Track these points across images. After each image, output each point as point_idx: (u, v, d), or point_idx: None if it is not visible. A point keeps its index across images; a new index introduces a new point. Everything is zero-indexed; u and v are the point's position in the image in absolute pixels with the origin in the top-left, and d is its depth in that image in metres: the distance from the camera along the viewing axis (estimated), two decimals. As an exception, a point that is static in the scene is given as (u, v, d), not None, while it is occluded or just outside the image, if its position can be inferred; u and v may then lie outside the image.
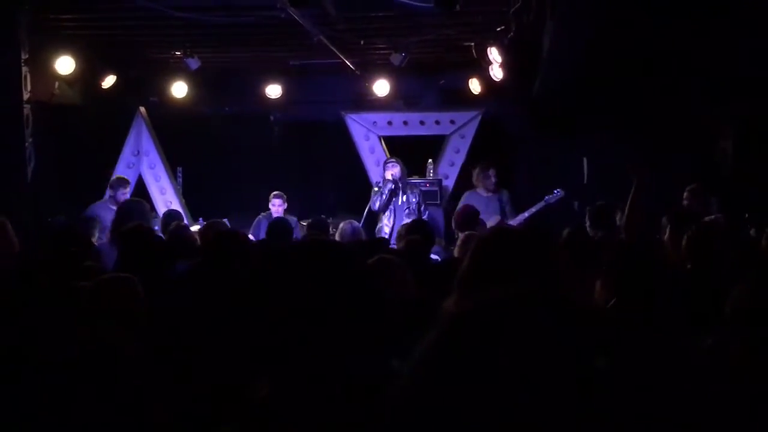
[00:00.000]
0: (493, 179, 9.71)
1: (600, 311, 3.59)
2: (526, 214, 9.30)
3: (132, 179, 11.42)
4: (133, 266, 4.27)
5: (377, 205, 9.53)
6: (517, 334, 0.79)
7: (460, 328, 0.81)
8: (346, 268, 1.59)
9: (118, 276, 3.58)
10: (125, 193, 9.33)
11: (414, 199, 9.64)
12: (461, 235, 6.73)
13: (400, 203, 9.58)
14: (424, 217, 9.45)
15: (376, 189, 9.82)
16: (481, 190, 9.74)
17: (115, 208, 8.50)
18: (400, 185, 9.57)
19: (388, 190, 9.50)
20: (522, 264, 1.78)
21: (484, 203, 9.37)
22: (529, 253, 1.81)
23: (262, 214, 9.52)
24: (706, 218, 6.04)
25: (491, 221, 8.80)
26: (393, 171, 9.60)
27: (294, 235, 8.93)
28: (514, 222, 9.15)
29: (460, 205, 9.40)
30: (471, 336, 0.80)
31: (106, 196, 9.59)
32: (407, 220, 8.78)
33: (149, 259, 4.61)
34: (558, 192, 9.36)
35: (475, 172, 9.83)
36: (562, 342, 0.79)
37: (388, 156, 11.31)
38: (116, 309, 3.31)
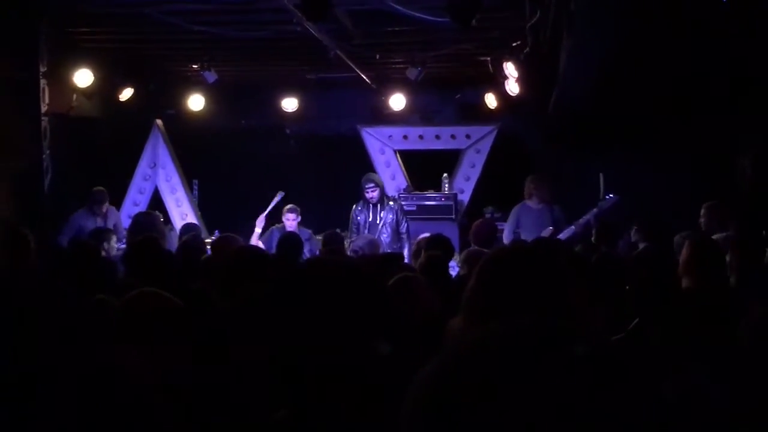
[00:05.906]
0: (547, 189, 9.26)
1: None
2: (582, 221, 8.68)
3: (148, 191, 11.54)
4: (140, 280, 4.12)
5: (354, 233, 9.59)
6: (524, 370, 0.77)
7: (462, 365, 0.79)
8: (363, 291, 1.57)
9: (148, 291, 3.12)
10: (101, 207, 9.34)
11: (391, 216, 9.62)
12: (464, 252, 6.69)
13: (378, 221, 9.58)
14: (402, 232, 9.57)
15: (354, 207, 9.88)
16: (531, 203, 9.25)
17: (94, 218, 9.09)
18: (377, 208, 9.65)
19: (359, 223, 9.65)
20: (529, 285, 1.76)
21: (535, 215, 9.10)
22: (537, 273, 1.80)
23: (276, 225, 9.53)
24: (715, 236, 5.98)
25: (544, 233, 8.65)
26: (372, 194, 9.61)
27: (309, 249, 8.98)
28: (567, 232, 8.69)
29: (510, 218, 9.30)
30: (473, 372, 0.78)
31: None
32: (383, 237, 9.11)
33: (157, 273, 4.42)
34: (611, 197, 8.80)
35: (528, 181, 9.34)
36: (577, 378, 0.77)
37: (404, 170, 11.31)
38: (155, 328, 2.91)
